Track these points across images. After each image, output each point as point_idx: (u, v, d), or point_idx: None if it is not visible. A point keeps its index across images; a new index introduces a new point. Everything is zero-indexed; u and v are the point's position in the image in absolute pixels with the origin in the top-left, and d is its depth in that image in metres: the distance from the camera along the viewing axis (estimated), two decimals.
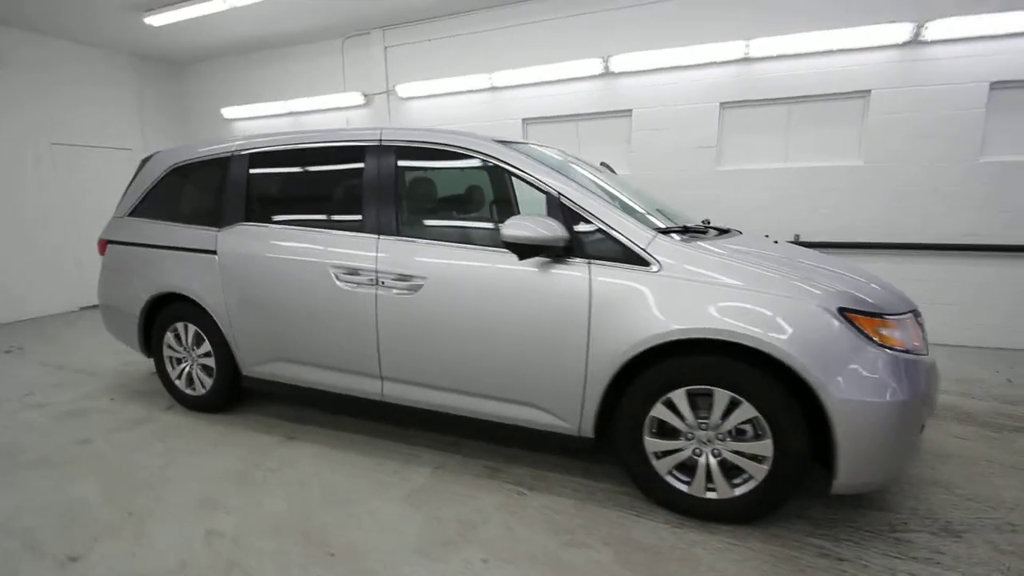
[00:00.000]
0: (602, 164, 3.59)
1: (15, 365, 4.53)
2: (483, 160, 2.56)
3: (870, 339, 1.97)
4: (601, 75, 5.39)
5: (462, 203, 3.07)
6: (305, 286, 2.82)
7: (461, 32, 5.91)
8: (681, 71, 5.10)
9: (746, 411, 2.06)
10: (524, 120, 5.87)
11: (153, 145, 7.48)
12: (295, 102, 6.91)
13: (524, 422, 2.49)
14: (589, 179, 2.73)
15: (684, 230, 2.48)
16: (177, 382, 3.45)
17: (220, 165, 3.25)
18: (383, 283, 2.61)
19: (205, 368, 3.33)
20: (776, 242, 2.82)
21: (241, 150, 3.18)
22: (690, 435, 2.18)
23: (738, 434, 2.12)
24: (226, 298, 3.07)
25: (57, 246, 6.62)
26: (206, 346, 3.27)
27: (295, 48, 6.92)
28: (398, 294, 2.58)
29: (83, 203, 6.80)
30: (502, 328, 2.39)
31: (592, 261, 2.26)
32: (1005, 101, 4.22)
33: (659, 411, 2.20)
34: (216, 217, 3.17)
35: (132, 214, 3.56)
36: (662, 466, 2.25)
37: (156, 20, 5.62)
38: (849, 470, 1.96)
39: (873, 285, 2.20)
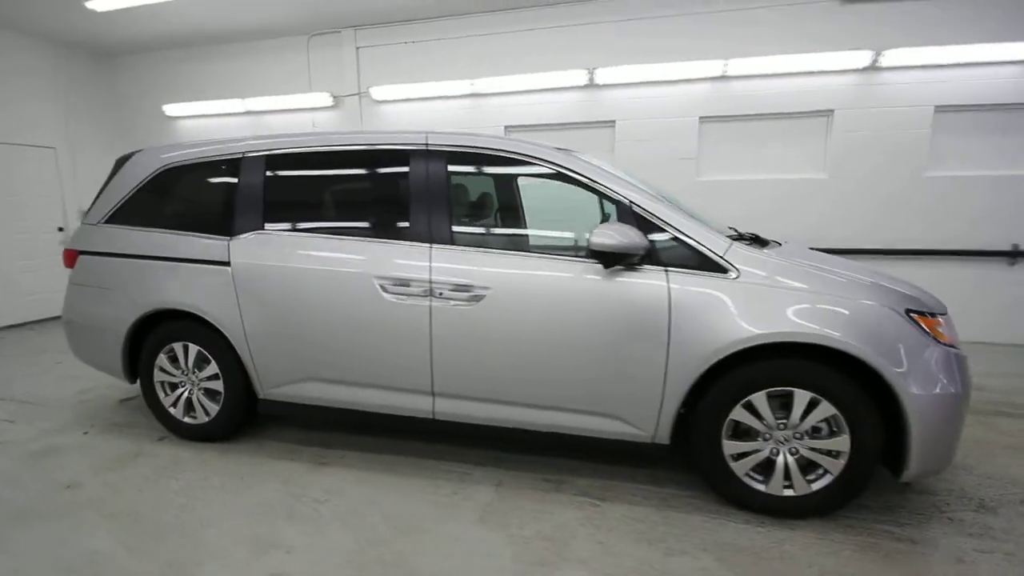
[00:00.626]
0: None
1: None
2: (546, 168, 2.52)
3: (931, 337, 2.14)
4: (586, 86, 5.50)
5: (519, 211, 3.00)
6: (343, 299, 2.62)
7: (441, 36, 5.80)
8: (663, 86, 5.32)
9: (825, 409, 2.16)
10: (507, 128, 5.85)
11: (79, 144, 6.67)
12: (254, 101, 6.44)
13: (594, 432, 2.46)
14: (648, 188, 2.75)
15: (752, 238, 2.56)
16: (172, 410, 3.07)
17: (227, 167, 2.95)
18: (441, 294, 2.48)
19: (209, 392, 2.99)
20: (811, 250, 2.99)
21: (254, 151, 2.90)
22: (767, 435, 2.26)
23: (813, 432, 2.23)
24: (243, 314, 2.78)
25: None
26: (211, 368, 2.94)
27: (254, 43, 6.46)
28: (456, 305, 2.47)
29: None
30: (575, 337, 2.35)
31: (669, 268, 2.29)
32: (947, 123, 4.79)
33: (738, 414, 2.25)
34: (225, 224, 2.87)
35: (110, 221, 3.14)
36: (740, 468, 2.30)
37: (100, 5, 5.02)
38: (920, 460, 2.12)
39: (916, 287, 2.40)
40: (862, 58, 4.78)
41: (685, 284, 2.26)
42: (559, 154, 2.52)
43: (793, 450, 2.25)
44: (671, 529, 2.23)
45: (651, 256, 2.31)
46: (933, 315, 2.21)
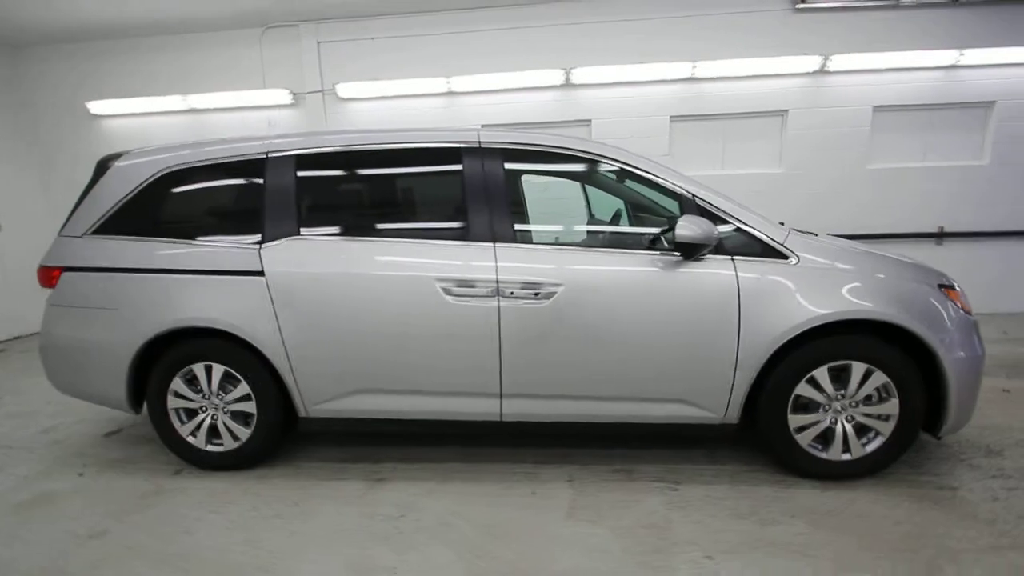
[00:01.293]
0: None
1: None
2: (610, 164, 2.56)
3: (959, 308, 2.44)
4: (562, 86, 5.59)
5: (580, 208, 3.00)
6: (401, 304, 2.50)
7: (413, 33, 5.63)
8: (637, 86, 5.54)
9: (878, 378, 2.39)
10: (483, 127, 5.78)
11: None
12: (198, 98, 5.89)
13: (664, 419, 2.54)
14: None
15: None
16: (191, 439, 2.76)
17: (245, 169, 2.71)
18: (511, 293, 2.44)
19: (238, 415, 2.73)
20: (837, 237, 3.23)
21: (279, 151, 2.69)
22: (827, 407, 2.46)
23: (865, 400, 2.45)
24: (281, 327, 2.56)
25: None
26: (242, 388, 2.68)
27: (198, 36, 5.90)
28: (527, 304, 2.44)
29: None
30: (649, 328, 2.42)
31: (735, 257, 2.42)
32: (885, 121, 5.40)
33: (802, 388, 2.43)
34: (249, 231, 2.64)
35: (100, 232, 2.77)
36: (803, 439, 2.48)
37: None
38: (955, 416, 2.40)
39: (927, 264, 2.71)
40: (812, 62, 5.27)
41: (751, 271, 2.40)
42: (620, 151, 2.57)
43: (850, 418, 2.46)
44: (753, 502, 2.36)
45: (716, 246, 2.43)
46: (953, 288, 2.51)
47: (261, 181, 2.67)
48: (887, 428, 2.44)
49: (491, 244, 2.50)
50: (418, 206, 2.69)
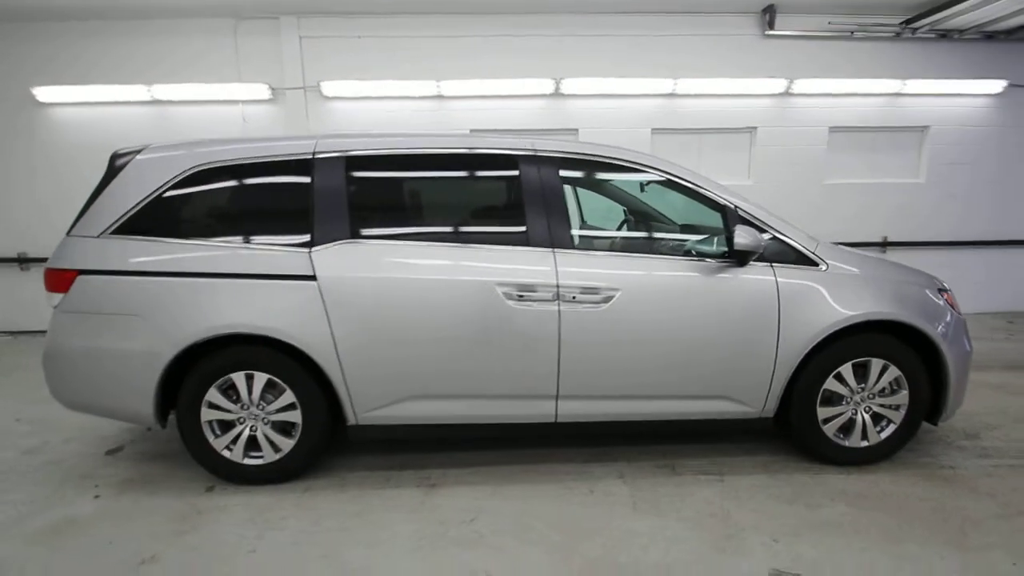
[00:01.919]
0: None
1: None
2: (656, 175, 2.70)
3: (953, 308, 2.79)
4: (552, 95, 5.73)
5: (629, 215, 3.10)
6: (461, 309, 2.51)
7: (400, 34, 5.55)
8: (622, 99, 5.78)
9: (892, 372, 2.69)
10: (472, 131, 5.82)
11: None
12: (163, 88, 5.48)
13: (707, 414, 2.71)
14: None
15: None
16: (227, 452, 2.60)
17: (290, 169, 2.62)
18: (572, 298, 2.52)
19: (280, 426, 2.61)
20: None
21: (328, 151, 2.61)
22: (849, 399, 2.73)
23: (880, 392, 2.75)
24: (335, 332, 2.49)
25: None
26: (286, 397, 2.57)
27: (163, 22, 5.49)
28: (586, 308, 2.53)
29: None
30: (700, 330, 2.58)
31: (774, 264, 2.64)
32: (838, 141, 5.99)
33: (829, 384, 2.69)
34: (298, 234, 2.54)
35: (120, 232, 2.55)
36: (829, 429, 2.74)
37: None
38: (951, 406, 2.75)
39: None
40: (779, 84, 5.75)
41: (788, 277, 2.62)
42: (667, 163, 2.72)
43: (867, 408, 2.75)
44: (794, 489, 2.57)
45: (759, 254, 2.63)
46: (947, 291, 2.88)
47: (308, 181, 2.58)
48: (898, 416, 2.74)
49: (551, 249, 2.57)
50: (473, 211, 2.70)
